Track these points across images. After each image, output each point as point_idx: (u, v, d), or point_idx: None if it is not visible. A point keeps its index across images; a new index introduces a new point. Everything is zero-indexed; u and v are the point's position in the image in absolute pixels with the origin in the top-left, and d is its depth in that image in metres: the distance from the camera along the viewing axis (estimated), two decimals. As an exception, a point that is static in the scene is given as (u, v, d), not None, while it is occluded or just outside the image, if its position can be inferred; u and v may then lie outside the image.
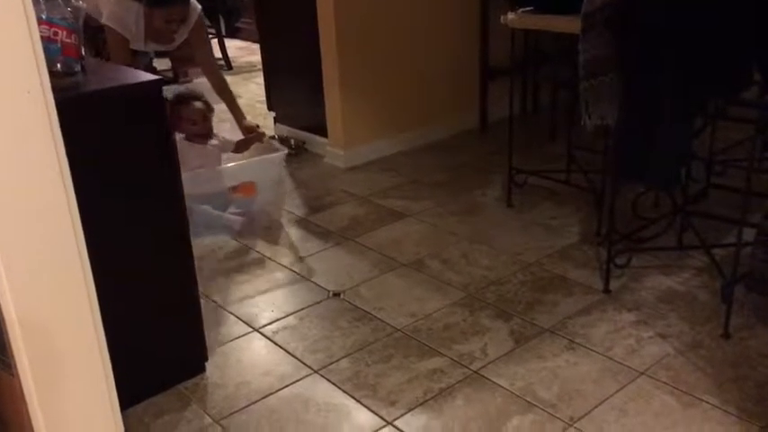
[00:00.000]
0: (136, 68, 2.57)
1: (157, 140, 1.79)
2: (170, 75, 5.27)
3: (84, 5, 2.77)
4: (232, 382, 2.02)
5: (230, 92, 3.27)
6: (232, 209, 2.95)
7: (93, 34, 3.06)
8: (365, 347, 2.15)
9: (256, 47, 4.39)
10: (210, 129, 3.01)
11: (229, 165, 3.01)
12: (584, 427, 1.78)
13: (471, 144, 3.82)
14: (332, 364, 2.08)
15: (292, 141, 3.81)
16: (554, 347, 2.10)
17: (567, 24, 2.33)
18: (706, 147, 2.60)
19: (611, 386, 1.92)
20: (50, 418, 1.22)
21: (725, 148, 2.73)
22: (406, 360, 2.08)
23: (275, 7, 3.79)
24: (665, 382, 1.92)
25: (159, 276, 1.89)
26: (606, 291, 2.35)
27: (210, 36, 5.81)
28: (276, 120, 4.04)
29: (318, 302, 2.41)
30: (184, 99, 2.96)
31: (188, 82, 5.29)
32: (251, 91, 4.96)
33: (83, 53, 1.73)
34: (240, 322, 2.32)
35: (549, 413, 1.83)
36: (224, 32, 5.80)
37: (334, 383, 2.00)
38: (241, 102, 4.76)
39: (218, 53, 5.66)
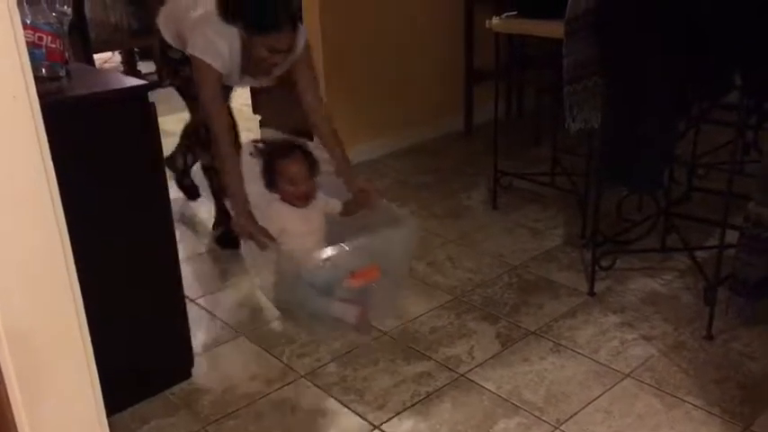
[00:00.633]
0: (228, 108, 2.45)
1: (143, 145, 1.79)
2: (155, 78, 5.25)
3: (161, 34, 2.48)
4: (219, 386, 2.02)
5: (340, 141, 2.45)
6: (341, 292, 2.16)
7: (174, 69, 2.54)
8: (352, 351, 2.15)
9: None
10: (314, 189, 2.29)
11: (355, 240, 2.12)
12: (571, 429, 1.79)
13: (456, 147, 3.83)
14: (319, 368, 2.08)
15: (278, 145, 3.80)
16: (540, 350, 2.11)
17: (551, 29, 2.34)
18: (689, 150, 2.63)
19: (597, 388, 1.93)
20: (36, 426, 1.21)
21: (708, 151, 2.76)
22: (393, 364, 2.09)
23: (260, 10, 3.79)
24: (649, 384, 1.94)
25: (145, 282, 1.88)
26: (591, 293, 2.37)
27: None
28: (262, 123, 4.03)
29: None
30: (285, 151, 2.29)
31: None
32: (236, 95, 4.93)
33: (67, 57, 1.71)
34: (227, 326, 2.31)
35: (535, 416, 1.84)
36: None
37: (321, 388, 2.00)
38: (226, 105, 4.80)
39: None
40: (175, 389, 2.00)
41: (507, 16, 2.69)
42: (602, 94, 2.13)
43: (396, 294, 2.34)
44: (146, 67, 5.51)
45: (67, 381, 1.24)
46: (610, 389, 1.93)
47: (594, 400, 1.89)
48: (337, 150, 2.41)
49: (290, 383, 2.02)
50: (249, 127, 4.16)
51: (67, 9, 1.95)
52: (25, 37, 1.11)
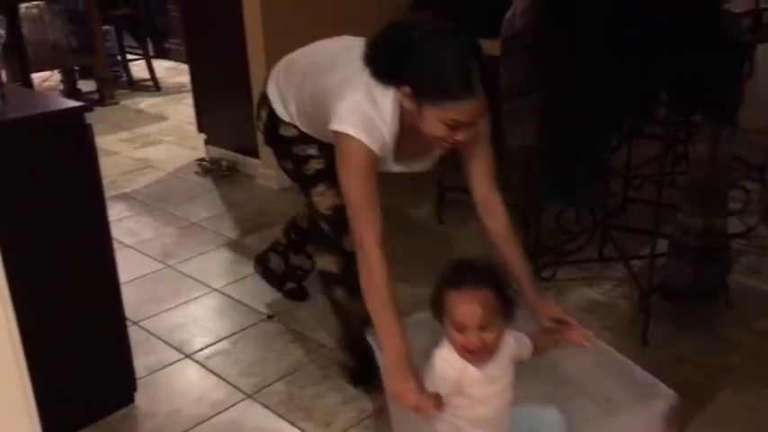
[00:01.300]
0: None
1: (80, 167, 1.76)
2: (96, 97, 5.17)
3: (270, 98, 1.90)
4: (162, 411, 1.99)
5: (520, 246, 1.78)
6: None
7: (287, 149, 1.96)
8: (300, 369, 2.15)
9: (185, 67, 4.35)
10: (497, 342, 1.48)
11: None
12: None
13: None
14: (266, 387, 2.07)
15: (224, 163, 3.79)
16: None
17: (488, 47, 2.40)
18: (624, 162, 2.72)
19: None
20: (-31, 459, 1.17)
21: (642, 163, 2.86)
22: (341, 381, 2.09)
23: (203, 27, 3.78)
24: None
25: (83, 305, 1.85)
26: (534, 304, 2.42)
27: (138, 57, 5.77)
28: (207, 142, 4.00)
29: (252, 325, 2.40)
30: (463, 276, 1.47)
31: (115, 104, 5.19)
32: (181, 112, 4.90)
33: (2, 79, 1.69)
34: (171, 349, 2.28)
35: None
36: (152, 53, 5.71)
37: (268, 407, 1.99)
38: (170, 124, 4.76)
39: (145, 74, 5.59)
40: (118, 414, 1.96)
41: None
42: (539, 111, 2.19)
43: None
44: (86, 85, 5.43)
45: (2, 410, 1.21)
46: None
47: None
48: (519, 257, 1.72)
49: (235, 404, 2.01)
50: (193, 145, 4.14)
51: (1, 31, 1.91)
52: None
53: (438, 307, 1.51)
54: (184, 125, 4.59)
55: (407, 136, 1.68)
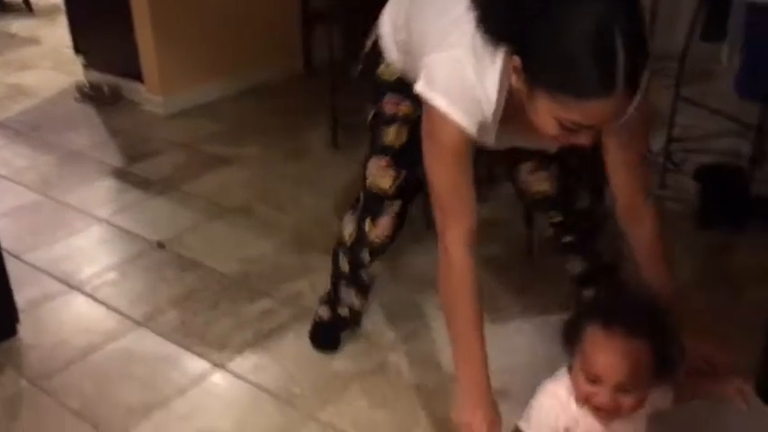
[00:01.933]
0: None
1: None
2: None
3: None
4: (49, 342, 1.92)
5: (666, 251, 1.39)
6: None
7: (378, 95, 1.55)
8: (192, 296, 2.12)
9: (57, -15, 4.03)
10: (640, 403, 1.16)
11: None
12: (406, 349, 1.89)
13: (296, 88, 3.79)
14: (158, 315, 2.04)
15: (105, 88, 3.58)
16: (378, 280, 2.19)
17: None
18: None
19: (431, 311, 2.04)
20: None
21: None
22: (234, 305, 2.09)
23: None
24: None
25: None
26: (429, 226, 2.48)
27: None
28: (86, 65, 3.75)
29: (141, 254, 2.33)
30: (616, 316, 1.13)
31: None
32: (56, 35, 4.55)
33: None
34: (55, 280, 2.19)
35: (372, 342, 1.93)
36: (20, -30, 5.23)
37: (160, 335, 1.96)
38: (45, 48, 4.43)
39: (15, -7, 5.13)
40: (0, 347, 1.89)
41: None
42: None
43: None
44: None
45: None
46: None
47: (428, 320, 2.00)
48: (662, 275, 1.35)
49: (126, 333, 1.97)
50: (71, 70, 3.88)
51: None
52: None
53: (572, 336, 1.16)
54: (61, 48, 4.26)
55: (517, 112, 1.19)
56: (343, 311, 1.87)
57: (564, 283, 1.83)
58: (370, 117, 1.60)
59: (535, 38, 1.05)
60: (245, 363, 1.86)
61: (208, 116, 3.40)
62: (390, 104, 1.52)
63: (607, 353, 1.11)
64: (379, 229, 1.64)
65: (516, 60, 1.11)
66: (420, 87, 1.26)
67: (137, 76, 3.47)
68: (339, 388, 1.76)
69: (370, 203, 1.64)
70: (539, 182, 1.61)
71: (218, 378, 1.81)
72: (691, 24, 2.54)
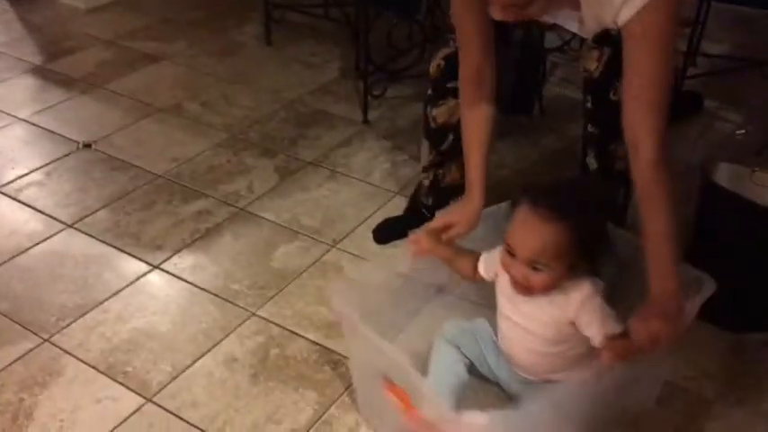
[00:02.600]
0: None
1: None
2: None
3: None
4: (-29, 246, 1.84)
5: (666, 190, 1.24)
6: None
7: None
8: (124, 197, 2.05)
9: None
10: (548, 284, 1.21)
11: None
12: (346, 246, 1.89)
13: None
14: (87, 216, 1.97)
15: (17, -21, 3.30)
16: (317, 178, 2.16)
17: None
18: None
19: (370, 208, 2.04)
20: None
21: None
22: (169, 205, 2.03)
23: None
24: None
25: None
26: (365, 121, 2.44)
27: None
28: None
29: (67, 155, 2.23)
30: (545, 201, 1.18)
31: None
32: None
33: None
34: (-25, 183, 2.08)
35: (313, 238, 1.92)
36: None
37: (91, 236, 1.90)
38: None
39: None
40: None
41: None
42: None
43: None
44: None
45: None
46: (382, 206, 2.04)
47: (368, 218, 2.00)
48: (655, 217, 1.21)
49: (55, 234, 1.90)
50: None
51: None
52: None
53: (513, 208, 1.24)
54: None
55: None
56: None
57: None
58: None
59: None
60: (183, 263, 1.83)
61: (131, 10, 3.19)
62: None
63: (523, 228, 1.18)
64: None
65: None
66: None
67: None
68: (278, 285, 1.76)
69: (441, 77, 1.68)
70: (588, 59, 1.52)
71: (155, 278, 1.78)
72: None
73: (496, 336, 1.39)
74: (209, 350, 1.57)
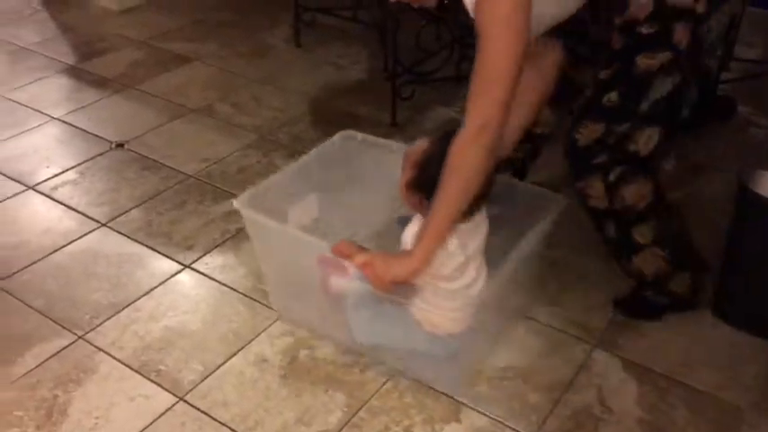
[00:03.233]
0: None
1: None
2: None
3: None
4: (8, 242, 1.88)
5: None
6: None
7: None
8: (156, 196, 2.08)
9: None
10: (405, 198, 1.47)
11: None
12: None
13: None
14: (121, 215, 2.00)
15: (52, -20, 3.36)
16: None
17: None
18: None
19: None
20: None
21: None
22: (200, 205, 2.05)
23: None
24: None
25: None
26: (393, 124, 2.45)
27: None
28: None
29: (101, 154, 2.26)
30: (435, 136, 1.43)
31: None
32: None
33: None
34: (10, 180, 2.12)
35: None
36: None
37: (124, 234, 1.93)
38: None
39: None
40: (-44, 249, 1.84)
41: None
42: None
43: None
44: None
45: None
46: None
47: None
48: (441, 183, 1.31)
49: (89, 233, 1.93)
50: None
51: None
52: None
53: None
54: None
55: None
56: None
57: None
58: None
59: None
60: (213, 262, 1.84)
61: (164, 11, 3.23)
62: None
63: (408, 161, 1.42)
64: None
65: None
66: None
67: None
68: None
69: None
70: None
71: (186, 277, 1.80)
72: None
73: None
74: (239, 350, 1.59)
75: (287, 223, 1.63)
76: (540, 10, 1.26)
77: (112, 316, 1.67)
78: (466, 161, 1.27)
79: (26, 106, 2.50)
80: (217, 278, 1.79)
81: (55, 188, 2.10)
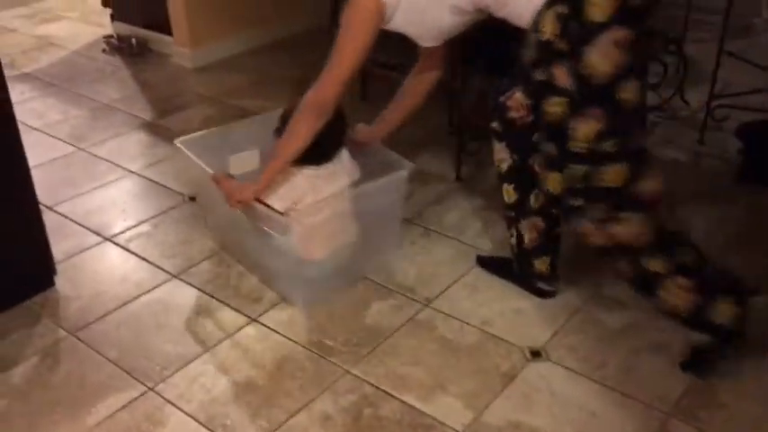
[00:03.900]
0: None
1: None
2: None
3: None
4: (86, 293, 1.95)
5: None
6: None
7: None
8: (226, 249, 2.13)
9: (83, -65, 3.97)
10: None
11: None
12: (440, 305, 1.89)
13: (323, 41, 3.72)
14: (191, 267, 2.05)
15: (133, 41, 3.55)
16: (410, 235, 2.18)
17: None
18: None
19: (463, 266, 2.04)
20: None
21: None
22: (267, 258, 2.09)
23: None
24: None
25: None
26: (458, 179, 2.46)
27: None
28: (113, 17, 3.73)
29: (174, 207, 2.34)
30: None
31: None
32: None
33: None
34: (90, 233, 2.21)
35: (407, 297, 1.93)
36: None
37: (195, 286, 1.98)
38: (72, 0, 4.40)
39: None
40: (38, 298, 1.91)
41: None
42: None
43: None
44: None
45: None
46: (474, 266, 2.04)
47: (461, 277, 1.99)
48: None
49: (161, 284, 1.99)
50: (99, 21, 3.86)
51: None
52: None
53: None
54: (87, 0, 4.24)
55: None
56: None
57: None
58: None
59: None
60: (279, 316, 1.87)
61: (235, 69, 3.37)
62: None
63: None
64: None
65: None
66: None
67: (165, 28, 3.44)
68: (372, 343, 1.77)
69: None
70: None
71: (253, 331, 1.82)
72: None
73: None
74: (304, 406, 1.59)
75: (228, 170, 1.96)
76: (433, 23, 1.71)
77: (182, 368, 1.70)
78: (299, 123, 1.70)
79: (106, 160, 2.62)
80: (283, 332, 1.81)
81: (130, 240, 2.18)
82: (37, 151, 2.59)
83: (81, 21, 4.01)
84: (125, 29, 3.65)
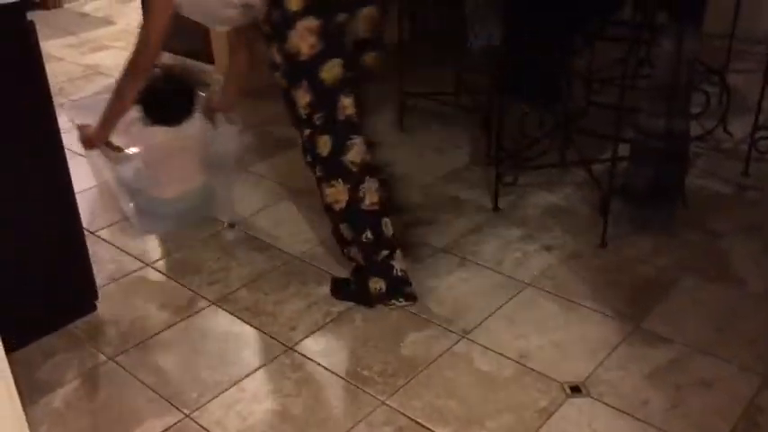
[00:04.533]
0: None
1: (26, 72, 1.67)
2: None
3: None
4: (126, 318, 1.98)
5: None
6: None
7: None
8: (263, 276, 2.15)
9: (131, -32, 4.10)
10: None
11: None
12: (477, 337, 1.87)
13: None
14: (229, 294, 2.07)
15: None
16: (447, 265, 2.17)
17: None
18: (585, 65, 2.69)
19: (501, 298, 2.02)
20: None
21: (604, 66, 2.84)
22: (304, 287, 2.10)
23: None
24: (548, 291, 2.04)
25: (38, 214, 1.79)
26: (495, 208, 2.45)
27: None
28: (157, 47, 3.82)
29: (213, 234, 2.37)
30: None
31: (58, 7, 4.88)
32: (128, 16, 4.67)
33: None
34: (131, 258, 2.25)
35: (443, 327, 1.91)
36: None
37: (232, 313, 1.99)
38: (118, 28, 4.55)
39: (88, -25, 5.25)
40: (80, 323, 1.95)
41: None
42: (502, 9, 2.13)
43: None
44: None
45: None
46: (513, 297, 2.02)
47: (499, 308, 1.98)
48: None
49: (200, 311, 2.01)
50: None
51: None
52: None
53: None
54: (133, 29, 4.35)
55: None
56: None
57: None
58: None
59: None
60: (315, 345, 1.87)
61: (275, 97, 3.40)
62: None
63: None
64: None
65: None
66: None
67: (206, 57, 3.51)
68: (408, 374, 1.75)
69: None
70: None
71: (289, 359, 1.82)
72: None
73: None
74: (339, 437, 1.58)
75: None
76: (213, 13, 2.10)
77: (218, 395, 1.71)
78: (128, 76, 2.10)
79: (148, 186, 2.66)
80: (319, 361, 1.81)
81: (171, 266, 2.21)
82: (82, 177, 2.65)
83: (127, 50, 4.07)
84: (168, 57, 3.73)
